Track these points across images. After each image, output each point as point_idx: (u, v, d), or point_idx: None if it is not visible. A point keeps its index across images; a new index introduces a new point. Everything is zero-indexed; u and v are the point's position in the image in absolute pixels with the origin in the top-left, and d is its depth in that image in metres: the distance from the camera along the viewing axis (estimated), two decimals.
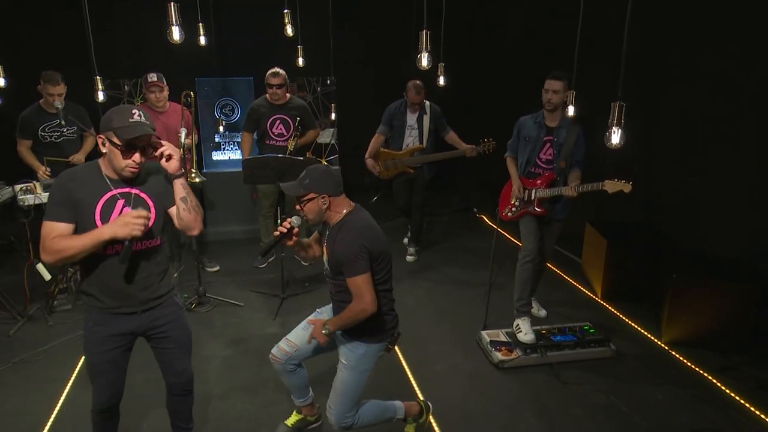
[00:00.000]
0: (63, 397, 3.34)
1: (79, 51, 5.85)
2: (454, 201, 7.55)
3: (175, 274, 5.00)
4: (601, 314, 4.45)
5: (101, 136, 2.18)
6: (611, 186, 3.51)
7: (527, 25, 6.44)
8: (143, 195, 2.28)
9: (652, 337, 4.05)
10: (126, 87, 6.01)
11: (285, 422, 3.06)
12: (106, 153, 2.19)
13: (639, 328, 4.19)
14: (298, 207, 2.58)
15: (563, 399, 3.38)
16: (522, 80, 6.39)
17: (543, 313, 4.41)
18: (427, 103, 5.18)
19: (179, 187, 2.29)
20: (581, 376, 3.59)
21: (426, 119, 5.20)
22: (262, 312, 4.49)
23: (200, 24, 3.94)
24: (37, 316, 4.32)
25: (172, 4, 2.17)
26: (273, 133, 5.01)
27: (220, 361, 3.79)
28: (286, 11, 4.12)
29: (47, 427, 3.08)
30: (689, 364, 3.72)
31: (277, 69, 4.89)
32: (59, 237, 2.13)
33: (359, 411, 2.71)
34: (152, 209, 2.28)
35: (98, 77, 3.54)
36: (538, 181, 3.89)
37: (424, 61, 2.58)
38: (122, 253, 2.15)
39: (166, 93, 4.61)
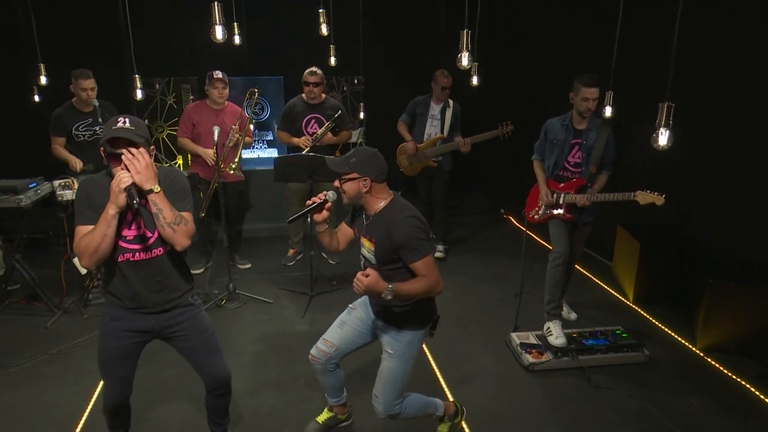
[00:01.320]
0: (98, 389, 3.40)
1: (112, 50, 6.03)
2: (480, 202, 7.51)
3: (201, 270, 5.07)
4: (632, 318, 4.38)
5: (102, 148, 2.22)
6: (643, 197, 3.46)
7: (553, 26, 6.36)
8: (146, 204, 2.26)
9: (687, 343, 3.97)
10: (158, 85, 6.11)
11: (316, 419, 3.08)
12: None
13: (672, 334, 4.11)
14: (337, 184, 2.52)
15: (595, 403, 3.34)
16: (547, 80, 6.33)
17: (573, 316, 4.35)
18: (451, 100, 5.24)
19: (150, 203, 2.20)
20: (613, 380, 3.54)
21: (449, 112, 5.24)
22: (291, 309, 4.52)
23: (235, 24, 3.99)
24: (72, 309, 4.42)
25: (215, 3, 2.19)
26: (308, 132, 5.03)
27: (249, 357, 3.82)
28: (321, 10, 4.13)
29: (84, 418, 3.15)
30: (725, 371, 3.63)
31: (314, 68, 4.91)
32: (83, 236, 2.20)
33: (405, 401, 2.71)
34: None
35: (137, 75, 3.60)
36: (567, 186, 3.84)
37: (464, 60, 2.56)
38: (133, 207, 2.16)
39: (227, 91, 4.66)
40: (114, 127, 2.15)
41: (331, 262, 5.47)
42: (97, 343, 2.47)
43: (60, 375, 3.57)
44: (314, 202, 2.55)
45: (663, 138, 2.15)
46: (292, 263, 5.45)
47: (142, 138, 2.19)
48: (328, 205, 2.56)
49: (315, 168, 4.38)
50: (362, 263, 2.67)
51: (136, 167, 2.12)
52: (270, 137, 6.32)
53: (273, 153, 6.36)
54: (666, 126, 2.11)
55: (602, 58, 3.78)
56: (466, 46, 2.53)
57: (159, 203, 2.20)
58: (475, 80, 3.34)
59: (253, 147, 6.30)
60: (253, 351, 3.90)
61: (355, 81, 6.83)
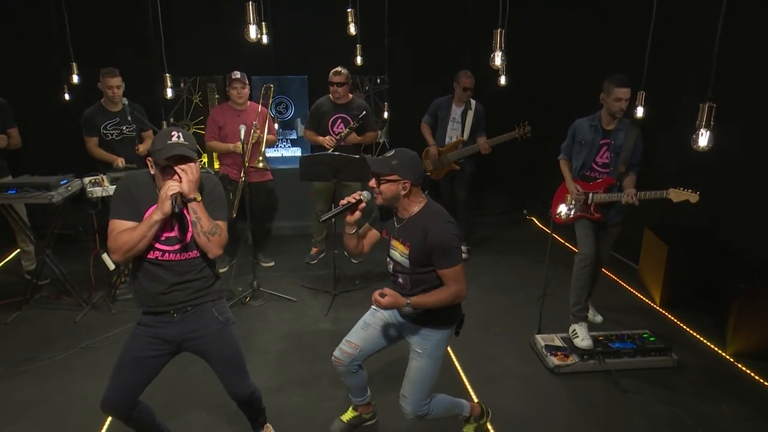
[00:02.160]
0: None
1: (141, 50, 6.11)
2: (503, 202, 7.46)
3: (225, 269, 5.11)
4: (660, 322, 4.31)
5: (149, 158, 2.30)
6: (676, 195, 3.39)
7: (579, 25, 6.29)
8: (184, 209, 2.33)
9: (716, 348, 3.90)
10: (182, 84, 6.18)
11: (340, 418, 3.08)
12: (154, 174, 2.32)
13: (701, 338, 4.04)
14: (373, 184, 2.50)
15: (622, 407, 3.29)
16: (573, 80, 6.27)
17: (599, 318, 4.30)
18: (473, 101, 5.19)
19: (190, 211, 2.30)
20: (641, 385, 3.49)
21: (470, 114, 5.19)
22: (314, 308, 4.54)
23: (263, 23, 4.01)
24: (100, 304, 4.49)
25: (250, 3, 2.21)
26: (334, 131, 5.04)
27: (274, 354, 3.85)
28: (349, 10, 4.14)
29: None
30: (757, 377, 3.56)
31: (339, 68, 4.93)
32: (121, 232, 2.26)
33: (432, 401, 2.70)
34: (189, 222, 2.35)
35: (167, 75, 3.64)
36: (595, 185, 3.80)
37: (497, 59, 2.54)
38: (176, 211, 2.24)
39: (247, 90, 4.70)
40: (169, 142, 2.22)
41: (353, 261, 5.48)
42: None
43: (89, 368, 3.63)
44: (349, 202, 2.53)
45: (703, 139, 2.10)
46: (315, 262, 5.47)
47: (194, 151, 2.28)
48: (362, 205, 2.55)
49: (340, 168, 4.39)
50: (390, 266, 2.66)
51: (187, 178, 2.23)
52: (294, 136, 6.36)
53: (297, 152, 6.39)
54: (707, 127, 2.07)
55: (631, 58, 3.73)
56: (500, 45, 2.51)
57: (198, 212, 2.29)
58: (503, 80, 3.30)
59: (277, 146, 6.33)
60: (278, 349, 3.93)
61: (377, 81, 6.83)
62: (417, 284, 2.55)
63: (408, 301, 2.43)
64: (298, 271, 5.27)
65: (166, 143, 2.23)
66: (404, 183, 2.44)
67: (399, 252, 2.56)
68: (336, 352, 2.82)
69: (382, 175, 2.45)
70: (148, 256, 2.34)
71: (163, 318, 2.42)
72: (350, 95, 5.08)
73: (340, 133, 4.99)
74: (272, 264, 5.37)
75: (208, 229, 2.30)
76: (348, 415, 3.08)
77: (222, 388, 2.63)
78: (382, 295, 2.41)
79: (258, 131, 4.70)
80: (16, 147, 4.58)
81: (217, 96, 6.25)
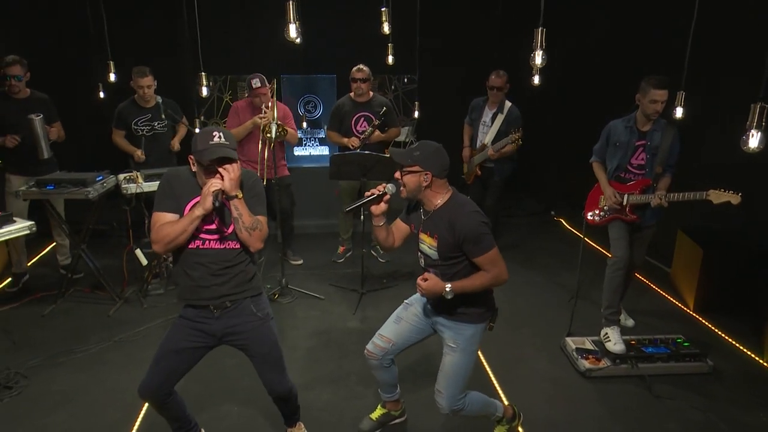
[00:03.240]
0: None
1: (173, 48, 6.21)
2: (530, 203, 7.39)
3: (261, 267, 5.16)
4: (693, 327, 4.22)
5: (191, 156, 2.35)
6: (716, 196, 3.32)
7: (612, 25, 6.19)
8: (226, 202, 2.37)
9: (754, 355, 3.81)
10: (212, 83, 6.26)
11: (369, 416, 3.09)
12: (195, 171, 2.38)
13: (738, 345, 3.95)
14: (398, 176, 2.51)
15: (656, 413, 3.23)
16: (603, 81, 6.18)
17: (630, 322, 4.23)
18: (508, 104, 5.05)
19: (232, 207, 2.34)
20: (675, 391, 3.42)
21: (499, 118, 5.04)
22: (342, 306, 4.56)
23: (297, 23, 4.03)
24: (132, 298, 4.57)
25: (291, 2, 2.22)
26: (357, 130, 5.06)
27: (303, 351, 3.87)
28: (383, 9, 4.15)
29: (146, 404, 3.24)
30: None
31: (361, 65, 4.95)
32: (163, 225, 2.33)
33: (467, 397, 2.70)
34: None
35: (203, 73, 3.69)
36: (631, 186, 3.74)
37: (538, 59, 2.52)
38: (217, 206, 2.30)
39: (269, 94, 4.69)
40: (212, 143, 2.26)
41: (380, 260, 5.49)
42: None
43: (123, 361, 3.70)
44: (373, 194, 2.55)
45: (754, 140, 2.05)
46: (342, 260, 5.49)
47: (235, 151, 2.32)
48: (387, 197, 2.56)
49: (370, 166, 4.40)
50: (421, 260, 2.66)
51: (229, 176, 2.28)
52: (322, 135, 6.39)
53: (324, 151, 6.43)
54: (758, 128, 2.02)
55: (669, 58, 3.66)
56: (540, 44, 2.48)
57: (240, 208, 2.34)
58: (536, 79, 3.27)
59: (305, 144, 6.37)
60: (307, 346, 3.95)
61: (405, 80, 6.82)
62: (449, 277, 2.53)
63: (448, 286, 2.41)
64: (325, 270, 5.29)
65: (209, 144, 2.27)
66: (425, 174, 2.45)
67: (428, 245, 2.56)
68: (369, 346, 2.83)
69: (405, 166, 2.47)
70: (189, 246, 2.40)
71: (204, 313, 2.46)
72: (371, 93, 5.08)
73: (363, 131, 5.00)
74: (301, 262, 5.40)
75: (249, 225, 2.35)
76: (377, 413, 3.08)
77: (254, 383, 2.66)
78: (425, 280, 2.43)
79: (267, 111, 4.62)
80: (61, 140, 4.71)
81: (246, 94, 6.31)
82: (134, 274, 4.73)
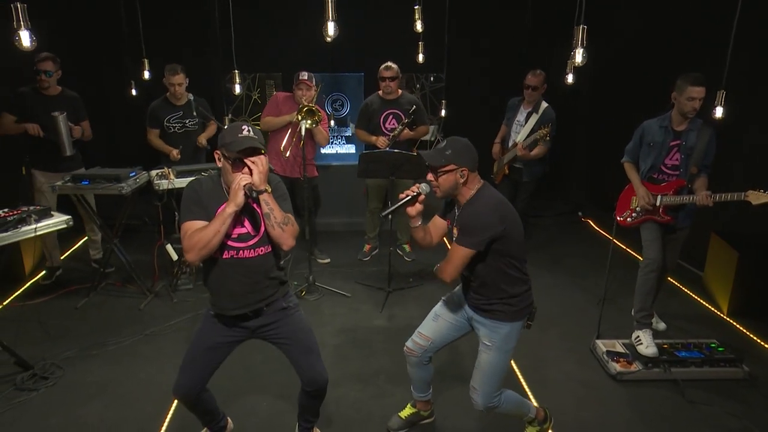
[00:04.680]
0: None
1: (203, 46, 6.28)
2: (557, 204, 7.31)
3: (289, 264, 5.19)
4: (727, 332, 4.13)
5: (217, 151, 2.34)
6: (755, 197, 3.23)
7: (646, 22, 6.09)
8: (254, 205, 2.37)
9: None
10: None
11: (398, 414, 3.08)
12: (221, 167, 2.35)
13: None
14: (430, 177, 2.51)
15: (690, 419, 3.17)
16: (635, 80, 6.08)
17: (662, 326, 4.16)
18: (545, 104, 4.96)
19: (262, 203, 2.32)
20: (709, 396, 3.35)
21: (533, 118, 4.95)
22: (369, 304, 4.57)
23: (326, 22, 4.05)
24: (162, 293, 4.64)
25: (329, 0, 2.23)
26: (386, 128, 5.06)
27: (330, 348, 3.88)
28: (417, 7, 4.14)
29: None
30: None
31: (390, 63, 4.94)
32: (194, 232, 2.29)
33: (503, 395, 2.69)
34: (262, 219, 2.37)
35: (236, 71, 3.72)
36: (665, 187, 3.67)
37: (578, 57, 2.48)
38: (253, 198, 2.30)
39: (312, 93, 4.71)
40: (240, 135, 2.26)
41: (406, 259, 5.48)
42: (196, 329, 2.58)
43: (155, 355, 3.76)
44: (408, 195, 2.54)
45: None
46: (368, 258, 5.50)
47: (263, 145, 2.32)
48: (422, 198, 2.56)
49: (398, 165, 4.40)
50: None
51: (258, 170, 2.27)
52: (348, 133, 6.41)
53: (351, 149, 6.44)
54: None
55: (705, 56, 3.58)
56: (581, 42, 2.45)
57: (271, 203, 2.32)
58: (570, 78, 3.23)
59: (332, 143, 6.40)
60: (334, 343, 3.96)
61: (431, 78, 6.80)
62: (479, 271, 2.52)
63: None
64: (351, 267, 5.30)
65: (237, 136, 2.27)
66: (461, 170, 2.45)
67: (455, 239, 2.56)
68: (408, 343, 2.84)
69: (439, 167, 2.46)
70: (224, 256, 2.37)
71: (238, 318, 2.47)
72: (399, 91, 5.07)
73: (393, 130, 4.99)
74: (328, 261, 5.42)
75: (281, 220, 2.33)
76: (406, 412, 3.08)
77: (283, 378, 2.65)
78: None
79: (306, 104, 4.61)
80: (88, 139, 4.78)
81: (275, 93, 6.37)
82: (164, 269, 4.80)
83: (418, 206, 2.57)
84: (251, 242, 2.40)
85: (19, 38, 2.10)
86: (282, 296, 2.55)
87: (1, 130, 4.44)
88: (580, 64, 2.52)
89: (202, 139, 5.01)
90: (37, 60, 4.36)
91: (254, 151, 2.29)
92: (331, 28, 2.29)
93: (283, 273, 2.57)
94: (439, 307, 2.83)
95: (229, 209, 2.26)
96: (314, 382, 2.57)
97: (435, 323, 2.78)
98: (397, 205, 2.58)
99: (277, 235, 2.34)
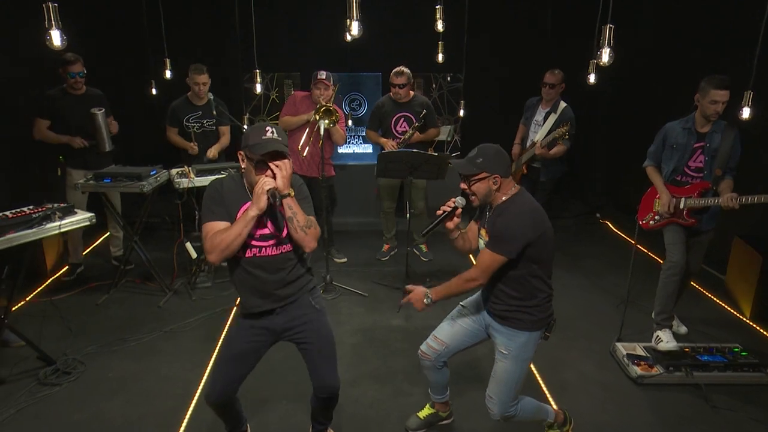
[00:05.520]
0: (209, 368, 3.58)
1: (223, 46, 6.31)
2: (576, 205, 7.25)
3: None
4: (751, 336, 4.07)
5: (240, 152, 2.32)
6: None
7: (669, 22, 6.02)
8: (277, 206, 2.34)
9: None
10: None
11: (417, 414, 3.08)
12: (245, 168, 2.34)
13: None
14: (463, 186, 2.52)
15: (713, 425, 3.13)
16: (655, 82, 6.01)
17: (683, 329, 4.10)
18: (563, 104, 4.91)
19: (285, 207, 2.30)
20: (733, 401, 3.30)
21: (552, 118, 4.90)
22: (386, 303, 4.56)
23: (350, 21, 4.05)
24: (181, 290, 4.68)
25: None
26: (397, 130, 5.06)
27: (348, 348, 3.89)
28: (438, 6, 4.13)
29: (197, 393, 3.31)
30: None
31: (401, 68, 4.92)
32: (216, 233, 2.29)
33: (520, 403, 2.67)
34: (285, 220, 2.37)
35: (257, 71, 3.74)
36: (689, 189, 3.63)
37: (605, 56, 2.46)
38: (276, 204, 2.26)
39: (330, 93, 4.73)
40: (264, 138, 2.24)
41: (423, 259, 5.48)
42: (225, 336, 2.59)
43: (174, 351, 3.79)
44: (444, 212, 2.57)
45: None
46: (386, 258, 5.50)
47: (287, 147, 2.30)
48: (459, 211, 2.59)
49: (417, 165, 4.39)
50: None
51: (281, 173, 2.25)
52: (365, 133, 6.41)
53: (368, 149, 6.46)
54: None
55: (724, 56, 3.53)
56: (608, 41, 2.43)
57: (294, 207, 2.31)
58: (592, 78, 3.20)
59: (349, 142, 6.41)
60: (352, 342, 3.97)
61: (447, 78, 6.78)
62: (499, 274, 2.50)
63: (428, 293, 2.52)
64: (368, 267, 5.31)
65: (261, 138, 2.25)
66: (494, 178, 2.46)
67: (483, 241, 2.57)
68: (423, 347, 2.83)
69: (471, 176, 2.47)
70: (246, 255, 2.38)
71: (266, 314, 2.48)
72: (411, 93, 5.06)
73: (404, 133, 4.99)
74: (345, 260, 5.43)
75: (304, 223, 2.32)
76: (425, 412, 3.07)
77: (302, 376, 2.64)
78: (409, 292, 2.56)
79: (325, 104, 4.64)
80: (115, 134, 4.86)
81: (293, 92, 6.40)
82: (182, 267, 4.84)
83: (456, 220, 2.59)
84: (273, 241, 2.40)
85: (50, 38, 2.14)
86: (308, 292, 2.55)
87: (37, 135, 4.54)
88: (607, 64, 2.50)
89: (214, 152, 5.01)
90: (66, 62, 4.42)
91: (278, 155, 2.27)
92: (355, 28, 2.28)
93: (306, 270, 2.57)
94: (456, 313, 2.82)
95: (252, 212, 2.25)
96: (326, 389, 2.57)
97: (451, 328, 2.77)
98: (435, 223, 2.61)
99: (300, 238, 2.34)
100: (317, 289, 2.64)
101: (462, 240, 2.70)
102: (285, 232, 2.40)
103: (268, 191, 2.22)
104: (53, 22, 2.11)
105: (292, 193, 2.32)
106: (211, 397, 2.49)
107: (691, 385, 3.43)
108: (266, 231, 2.39)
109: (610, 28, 2.45)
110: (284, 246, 2.43)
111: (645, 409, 3.27)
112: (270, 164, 2.26)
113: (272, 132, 2.28)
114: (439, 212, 2.57)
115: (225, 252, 2.28)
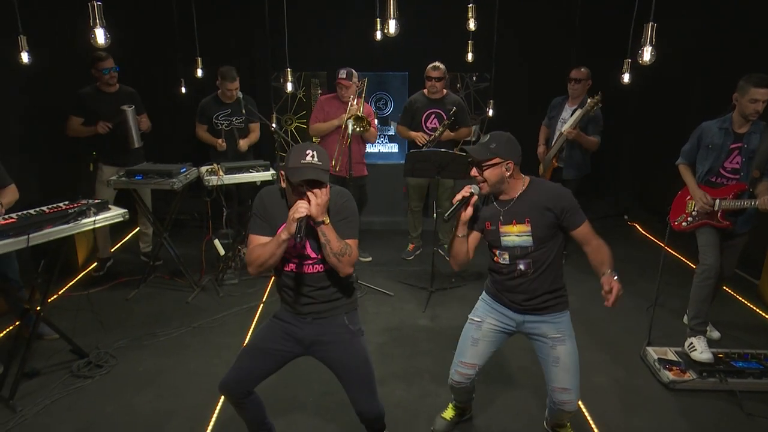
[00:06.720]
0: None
1: (247, 44, 6.36)
2: (602, 206, 7.15)
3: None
4: None
5: (282, 171, 2.29)
6: None
7: (706, 19, 5.89)
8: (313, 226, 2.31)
9: None
10: (281, 79, 6.37)
11: (442, 415, 3.06)
12: (285, 188, 2.32)
13: None
14: (474, 173, 2.49)
15: None
16: (687, 82, 5.89)
17: (716, 334, 4.02)
18: (590, 100, 4.78)
19: (319, 233, 2.24)
20: None
21: (578, 112, 4.81)
22: (412, 303, 4.56)
23: (387, 20, 4.05)
24: (208, 286, 4.73)
25: None
26: (427, 127, 5.05)
27: (375, 347, 3.88)
28: (471, 5, 4.11)
29: None
30: None
31: (437, 63, 4.94)
32: (255, 247, 2.32)
33: None
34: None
35: (289, 69, 3.76)
36: (724, 190, 3.55)
37: (646, 55, 2.42)
38: (299, 234, 2.19)
39: (352, 90, 4.75)
40: (303, 162, 2.18)
41: (447, 259, 5.43)
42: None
43: (202, 347, 3.83)
44: (463, 197, 2.51)
45: None
46: (411, 258, 5.49)
47: (327, 174, 2.23)
48: (474, 199, 2.52)
49: (444, 164, 4.38)
50: (505, 257, 2.56)
51: (316, 201, 2.18)
52: (391, 132, 6.42)
53: (393, 148, 6.45)
54: None
55: (761, 55, 3.44)
56: (650, 40, 2.38)
57: (327, 234, 2.24)
58: (626, 78, 3.15)
59: (376, 141, 6.41)
60: (378, 341, 3.96)
61: (473, 78, 6.74)
62: (540, 264, 2.52)
63: (614, 276, 2.45)
64: (393, 266, 5.31)
65: (300, 163, 2.18)
66: (507, 164, 2.46)
67: (516, 234, 2.52)
68: (454, 377, 2.76)
69: (484, 161, 2.46)
70: (285, 269, 2.40)
71: (299, 317, 2.47)
72: (444, 90, 5.05)
73: (434, 129, 4.97)
74: (370, 259, 5.44)
75: (337, 251, 2.25)
76: (449, 413, 3.06)
77: (327, 374, 2.63)
78: (609, 292, 2.41)
79: (355, 107, 4.69)
80: (148, 131, 4.95)
81: (320, 91, 6.43)
82: (210, 263, 4.90)
83: (470, 210, 2.52)
84: (311, 261, 2.38)
85: (95, 36, 2.17)
86: (346, 313, 2.50)
87: (70, 132, 4.65)
88: (648, 63, 2.45)
89: (244, 145, 5.07)
90: (98, 59, 4.50)
91: (316, 183, 2.20)
92: (392, 26, 2.27)
93: (351, 288, 2.53)
94: (474, 331, 2.73)
95: (283, 236, 2.21)
96: (362, 414, 2.52)
97: (475, 348, 2.71)
98: (456, 208, 2.53)
99: (334, 263, 2.28)
100: (357, 312, 2.58)
101: (466, 245, 2.61)
102: (320, 255, 2.35)
103: (298, 219, 2.16)
104: (98, 21, 2.15)
105: (327, 221, 2.24)
106: (225, 384, 2.44)
107: (726, 391, 3.35)
108: (303, 251, 2.37)
109: (653, 26, 2.40)
110: (322, 265, 2.39)
111: (677, 415, 3.21)
112: (307, 192, 2.20)
113: (312, 155, 2.19)
114: (457, 198, 2.51)
115: (261, 268, 2.30)
